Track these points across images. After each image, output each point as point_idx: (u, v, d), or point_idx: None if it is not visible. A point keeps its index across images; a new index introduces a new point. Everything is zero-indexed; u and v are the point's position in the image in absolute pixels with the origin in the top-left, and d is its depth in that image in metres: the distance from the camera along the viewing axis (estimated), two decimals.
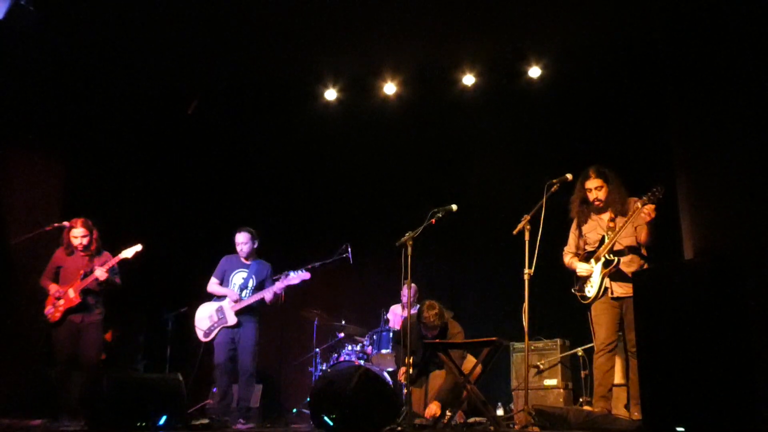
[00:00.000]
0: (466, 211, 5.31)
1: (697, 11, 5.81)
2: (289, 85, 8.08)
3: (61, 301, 5.92)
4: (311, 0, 6.51)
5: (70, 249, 6.09)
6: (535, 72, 7.60)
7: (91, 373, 5.81)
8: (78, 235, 6.04)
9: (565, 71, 7.47)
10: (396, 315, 7.39)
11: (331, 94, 8.21)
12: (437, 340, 5.44)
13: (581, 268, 5.05)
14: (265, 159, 8.73)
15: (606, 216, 5.03)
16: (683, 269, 4.15)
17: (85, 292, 5.96)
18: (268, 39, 7.16)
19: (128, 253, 6.11)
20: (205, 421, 5.56)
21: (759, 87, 4.99)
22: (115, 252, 6.15)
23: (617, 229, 4.86)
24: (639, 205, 4.70)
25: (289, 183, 8.74)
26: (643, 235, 4.85)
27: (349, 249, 7.06)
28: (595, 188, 4.99)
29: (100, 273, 5.92)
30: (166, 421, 4.71)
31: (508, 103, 7.81)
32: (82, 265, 6.05)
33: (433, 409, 5.17)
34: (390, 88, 8.04)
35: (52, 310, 5.93)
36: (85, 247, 6.07)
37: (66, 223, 6.18)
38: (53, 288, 5.96)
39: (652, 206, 4.64)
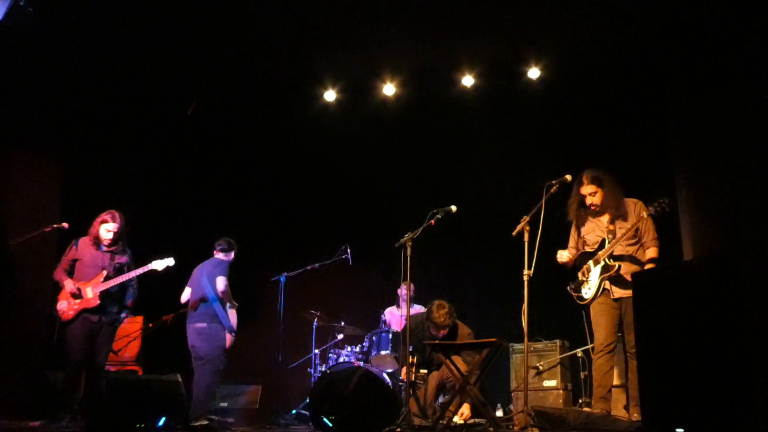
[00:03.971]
0: (465, 212, 5.32)
1: (696, 13, 5.81)
2: (288, 87, 8.07)
3: (78, 300, 5.63)
4: (310, 1, 6.51)
5: (97, 242, 5.78)
6: (534, 73, 7.60)
7: (99, 373, 5.62)
8: (111, 229, 5.75)
9: (565, 72, 7.47)
10: (394, 315, 7.37)
11: (330, 96, 8.21)
12: (437, 341, 5.44)
13: (561, 255, 5.09)
14: (265, 160, 8.73)
15: (605, 218, 5.03)
16: (683, 270, 4.15)
17: (104, 295, 5.68)
18: (267, 40, 7.16)
19: (159, 265, 5.84)
20: (205, 422, 5.56)
21: (758, 87, 4.99)
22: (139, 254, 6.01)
23: (619, 236, 4.85)
24: (645, 214, 4.71)
25: (289, 184, 8.74)
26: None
27: (349, 250, 7.06)
28: (589, 194, 5.00)
29: (128, 310, 5.85)
30: (165, 423, 4.70)
31: (508, 104, 7.81)
32: (102, 261, 5.78)
33: (465, 413, 5.21)
34: (389, 89, 8.04)
35: (66, 308, 5.62)
36: (113, 242, 5.80)
37: (65, 225, 6.10)
38: (69, 284, 5.64)
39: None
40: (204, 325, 6.14)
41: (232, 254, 6.56)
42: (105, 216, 5.80)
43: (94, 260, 5.78)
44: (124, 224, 5.87)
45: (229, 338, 6.27)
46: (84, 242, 5.84)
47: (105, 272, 5.74)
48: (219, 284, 6.17)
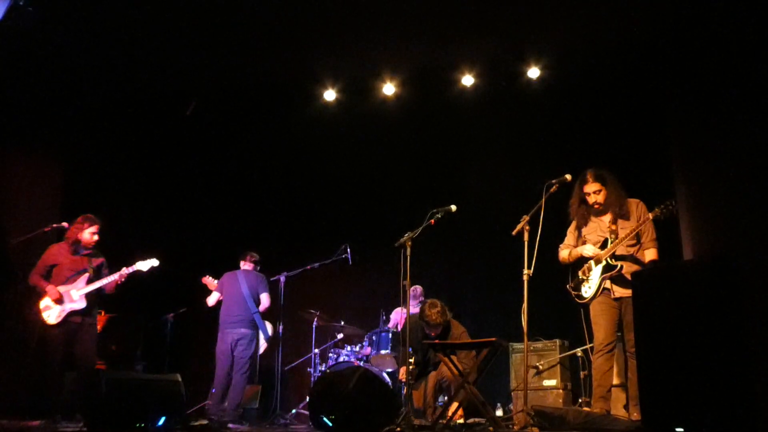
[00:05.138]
0: (465, 212, 5.31)
1: (696, 13, 5.81)
2: (288, 86, 8.07)
3: (63, 304, 5.80)
4: (310, 1, 6.51)
5: (76, 247, 5.96)
6: (534, 73, 7.60)
7: (88, 372, 5.76)
8: (95, 231, 5.97)
9: (564, 72, 7.47)
10: (401, 314, 7.37)
11: (330, 95, 8.21)
12: (437, 341, 5.44)
13: (589, 249, 4.99)
14: (265, 160, 8.73)
15: (606, 218, 5.02)
16: (682, 270, 4.15)
17: (88, 296, 5.87)
18: (267, 40, 7.16)
19: (143, 266, 6.03)
20: (204, 422, 5.56)
21: (757, 87, 4.99)
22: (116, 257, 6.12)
23: (622, 236, 4.84)
24: (650, 216, 4.71)
25: (289, 184, 8.74)
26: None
27: (348, 250, 7.07)
28: (593, 192, 4.98)
29: (109, 286, 5.96)
30: (164, 422, 4.70)
31: (507, 104, 7.81)
32: (80, 264, 5.95)
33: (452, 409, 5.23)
34: (389, 88, 8.04)
35: (51, 311, 5.77)
36: (92, 246, 6.01)
37: (65, 224, 6.15)
38: (52, 290, 5.80)
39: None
40: (248, 331, 6.61)
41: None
42: (87, 220, 5.99)
43: (74, 264, 5.96)
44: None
45: (264, 345, 6.87)
46: (57, 249, 6.02)
47: (88, 275, 5.92)
48: (265, 301, 6.73)
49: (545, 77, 7.60)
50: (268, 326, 6.98)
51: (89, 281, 5.90)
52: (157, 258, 6.19)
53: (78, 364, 5.84)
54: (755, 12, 5.01)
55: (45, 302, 5.84)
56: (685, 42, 6.06)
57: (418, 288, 7.34)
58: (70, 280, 5.89)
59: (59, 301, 5.80)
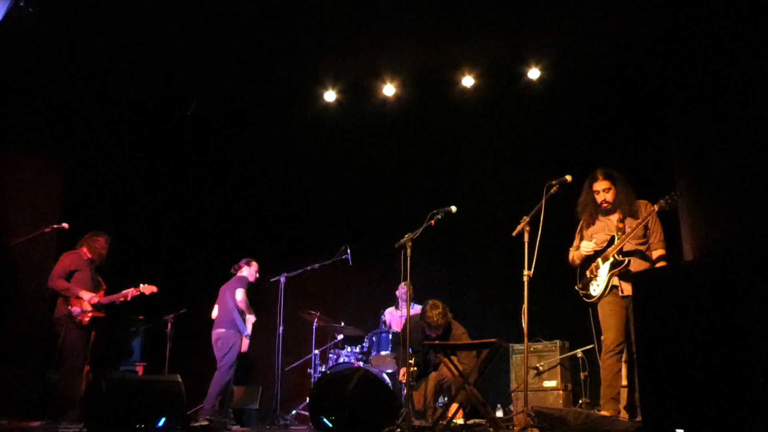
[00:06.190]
0: (465, 213, 5.32)
1: (696, 13, 5.82)
2: (288, 87, 8.08)
3: (92, 309, 6.08)
4: (310, 2, 6.51)
5: (101, 262, 6.31)
6: (534, 74, 7.60)
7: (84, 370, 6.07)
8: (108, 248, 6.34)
9: (565, 73, 7.47)
10: (393, 316, 7.37)
11: (330, 96, 8.21)
12: (437, 341, 5.44)
13: (585, 245, 5.00)
14: (265, 160, 8.72)
15: (614, 217, 5.00)
16: (683, 270, 4.15)
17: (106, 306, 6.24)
18: (267, 41, 7.16)
19: (146, 290, 6.41)
20: (204, 422, 5.57)
21: (757, 87, 4.99)
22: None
23: (628, 231, 4.83)
24: (656, 208, 4.71)
25: (289, 184, 8.73)
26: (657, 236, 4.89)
27: (349, 250, 7.06)
28: (602, 190, 4.97)
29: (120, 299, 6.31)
30: (165, 423, 4.70)
31: (508, 104, 7.80)
32: (95, 276, 6.26)
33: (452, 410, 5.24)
34: (389, 89, 8.04)
35: (81, 314, 6.00)
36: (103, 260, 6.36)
37: (65, 225, 6.19)
38: (91, 295, 6.06)
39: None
40: (222, 330, 6.74)
41: (253, 269, 7.08)
42: (103, 236, 6.33)
43: (92, 275, 6.24)
44: None
45: (245, 342, 6.84)
46: (77, 256, 6.22)
47: (105, 286, 6.28)
48: (237, 295, 6.82)
49: (545, 78, 7.60)
50: (249, 320, 6.98)
51: (107, 294, 6.25)
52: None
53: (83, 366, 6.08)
54: (754, 11, 5.02)
55: (79, 305, 6.04)
56: (684, 41, 6.07)
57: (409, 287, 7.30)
58: (92, 289, 6.16)
59: (97, 306, 6.09)
